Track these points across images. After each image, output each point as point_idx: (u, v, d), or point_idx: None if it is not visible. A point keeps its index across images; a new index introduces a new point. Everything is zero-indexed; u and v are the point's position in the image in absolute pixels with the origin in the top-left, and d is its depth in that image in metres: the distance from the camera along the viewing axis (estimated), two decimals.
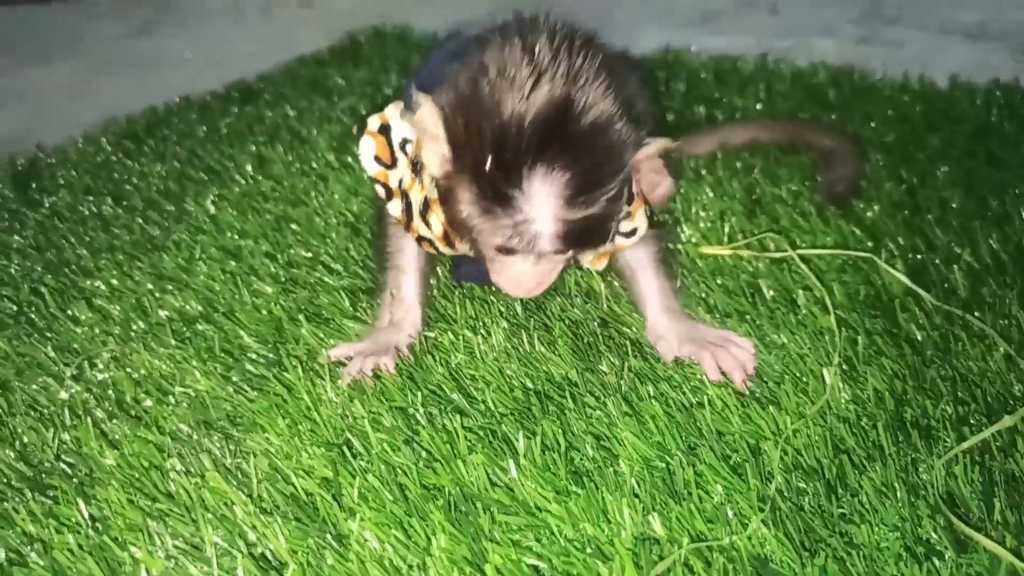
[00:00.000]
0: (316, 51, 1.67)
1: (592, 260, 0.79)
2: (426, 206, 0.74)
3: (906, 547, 0.54)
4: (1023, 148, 1.07)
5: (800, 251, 0.86)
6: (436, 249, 0.78)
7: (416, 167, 0.73)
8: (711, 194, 1.00)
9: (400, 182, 0.76)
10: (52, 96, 1.67)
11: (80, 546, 0.59)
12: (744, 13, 1.94)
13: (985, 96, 1.23)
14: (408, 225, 0.77)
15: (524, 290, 0.70)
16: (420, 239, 0.78)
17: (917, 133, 1.13)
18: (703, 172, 1.06)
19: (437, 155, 0.65)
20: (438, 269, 0.86)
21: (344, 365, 0.75)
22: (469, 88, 0.63)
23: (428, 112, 0.63)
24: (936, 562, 0.54)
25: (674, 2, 2.04)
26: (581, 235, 0.64)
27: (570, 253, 0.67)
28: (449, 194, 0.66)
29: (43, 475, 0.66)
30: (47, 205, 1.09)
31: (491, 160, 0.60)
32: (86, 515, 0.61)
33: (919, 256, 0.85)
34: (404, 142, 0.74)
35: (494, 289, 0.82)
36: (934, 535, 0.55)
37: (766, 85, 1.34)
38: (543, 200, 0.61)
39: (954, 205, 0.95)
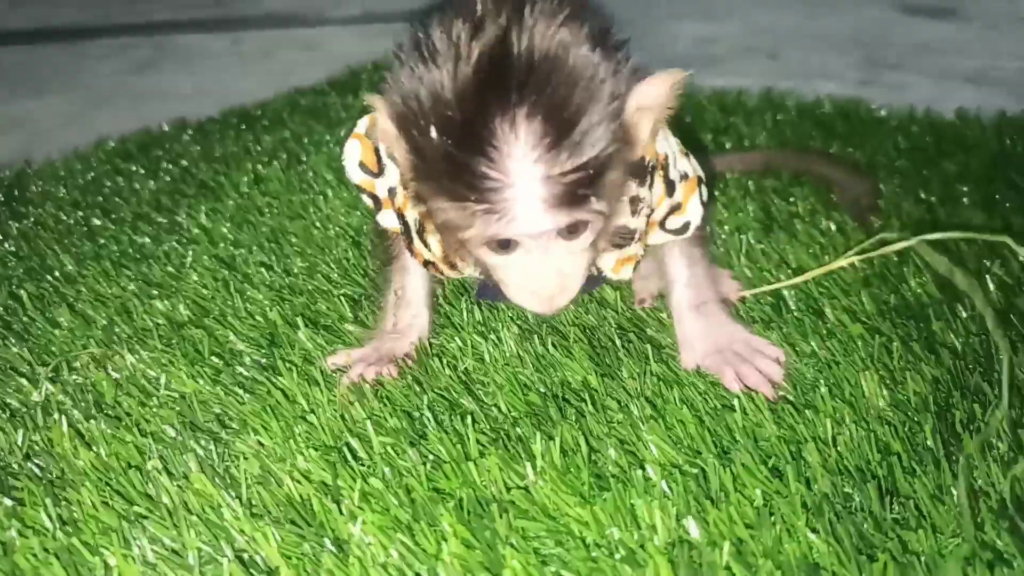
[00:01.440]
0: (315, 83, 1.65)
1: (615, 265, 0.68)
2: (422, 225, 0.66)
3: (972, 555, 0.49)
4: None
5: (926, 236, 0.79)
6: (442, 273, 0.71)
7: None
8: (724, 212, 0.97)
9: (391, 192, 0.67)
10: (46, 124, 1.64)
11: (46, 549, 0.52)
12: (744, 57, 1.95)
13: (995, 127, 1.21)
14: (410, 247, 0.69)
15: (545, 298, 0.57)
16: (426, 263, 0.70)
17: (931, 160, 1.11)
18: (715, 192, 1.03)
19: (400, 157, 0.55)
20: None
21: (345, 372, 0.70)
22: (407, 70, 0.52)
23: (381, 114, 0.53)
24: (1006, 570, 0.48)
25: (673, 49, 2.05)
26: (576, 191, 0.51)
27: (584, 238, 0.55)
28: (422, 199, 0.56)
29: (8, 476, 0.59)
30: (32, 217, 1.04)
31: (438, 136, 0.50)
32: (54, 517, 0.55)
33: (951, 268, 0.81)
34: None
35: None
36: (999, 541, 0.50)
37: (772, 116, 1.32)
38: (515, 159, 0.49)
39: (977, 223, 0.91)
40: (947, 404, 0.62)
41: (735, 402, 0.63)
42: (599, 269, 0.68)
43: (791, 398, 0.63)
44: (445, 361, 0.70)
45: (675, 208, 0.67)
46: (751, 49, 2.01)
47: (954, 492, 0.53)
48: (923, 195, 1.00)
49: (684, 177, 0.68)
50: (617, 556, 0.50)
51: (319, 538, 0.52)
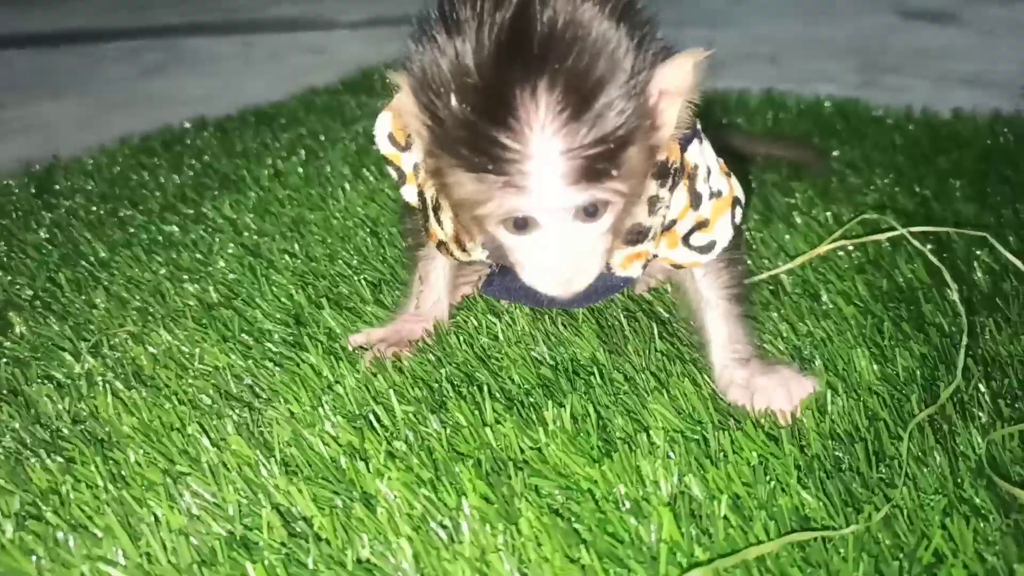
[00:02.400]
0: (329, 83, 1.70)
1: (624, 261, 0.65)
2: (437, 202, 0.66)
3: (950, 508, 0.53)
4: None
5: (913, 229, 0.84)
6: (452, 255, 0.71)
7: None
8: None
9: (416, 168, 0.68)
10: (64, 126, 1.69)
11: (97, 498, 0.57)
12: (746, 63, 1.99)
13: (989, 125, 1.25)
14: (426, 226, 0.70)
15: (560, 281, 0.57)
16: (439, 244, 0.70)
17: (926, 156, 1.15)
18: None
19: (419, 132, 0.54)
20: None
21: (366, 350, 0.74)
22: (430, 41, 0.51)
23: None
24: (982, 526, 0.52)
25: (679, 50, 2.09)
26: (596, 164, 0.50)
27: (603, 221, 0.54)
28: (439, 174, 0.54)
29: (59, 439, 0.64)
30: (63, 207, 1.09)
31: (459, 106, 0.49)
32: (104, 473, 0.59)
33: (940, 256, 0.85)
34: None
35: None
36: (977, 498, 0.54)
37: (773, 114, 1.37)
38: (535, 131, 0.48)
39: (969, 215, 0.96)
40: (933, 377, 0.67)
41: None
42: (609, 265, 0.65)
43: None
44: (462, 339, 0.74)
45: (702, 224, 0.66)
46: (752, 55, 2.05)
47: (936, 455, 0.58)
48: (918, 189, 1.04)
49: (717, 194, 0.66)
50: (623, 508, 0.54)
51: (349, 493, 0.57)
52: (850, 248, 0.87)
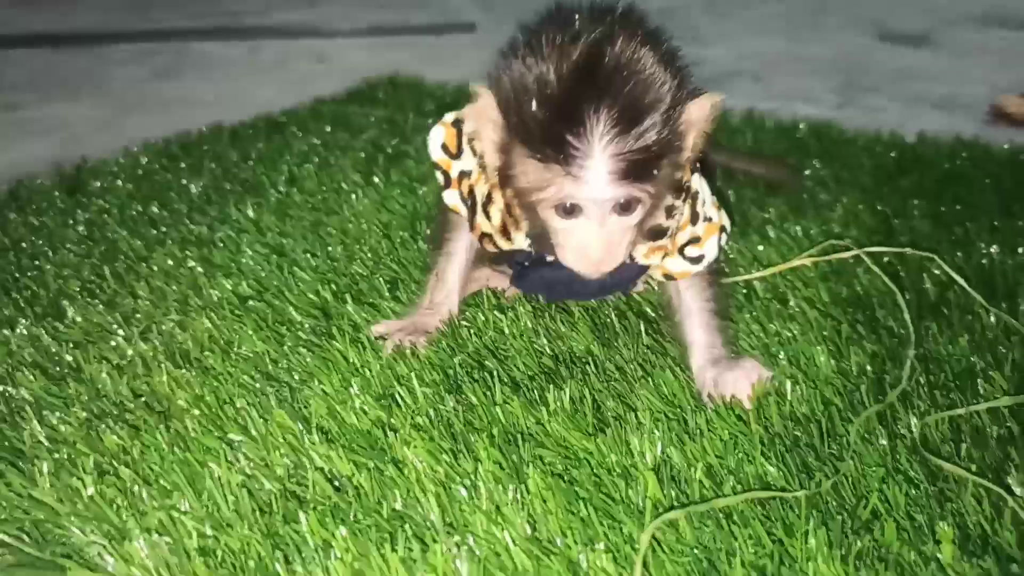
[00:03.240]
0: (335, 93, 1.79)
1: (647, 252, 0.79)
2: (488, 199, 0.78)
3: (888, 477, 0.64)
4: (985, 191, 1.19)
5: (867, 249, 0.96)
6: (495, 245, 0.81)
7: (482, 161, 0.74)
8: None
9: (461, 174, 0.81)
10: (81, 129, 1.76)
11: (162, 457, 0.66)
12: (731, 80, 2.10)
13: (950, 148, 1.37)
14: (472, 222, 0.82)
15: (593, 261, 0.69)
16: (482, 236, 0.81)
17: (891, 176, 1.26)
18: None
19: (493, 134, 0.68)
20: None
21: (385, 339, 0.84)
22: (514, 63, 0.66)
23: (485, 98, 0.68)
24: (913, 492, 0.63)
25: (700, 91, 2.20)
26: (636, 168, 0.64)
27: (635, 215, 0.68)
28: (507, 168, 0.69)
29: (124, 411, 0.73)
30: (96, 206, 1.17)
31: (538, 109, 0.63)
32: (166, 440, 0.68)
33: (896, 268, 0.96)
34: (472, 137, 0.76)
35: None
36: (911, 470, 0.65)
37: (753, 135, 1.47)
38: (592, 135, 0.62)
39: (924, 232, 1.07)
40: (881, 371, 0.77)
41: None
42: (633, 256, 0.78)
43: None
44: (472, 332, 0.84)
45: (695, 240, 0.80)
46: (737, 72, 2.17)
47: (879, 436, 0.68)
48: (880, 207, 1.15)
49: (708, 220, 0.81)
50: (615, 474, 0.64)
51: (380, 458, 0.66)
52: (809, 265, 0.97)
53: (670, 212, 0.76)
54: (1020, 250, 0.99)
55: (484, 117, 0.69)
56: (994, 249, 1.00)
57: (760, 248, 1.02)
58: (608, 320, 0.86)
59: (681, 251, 0.80)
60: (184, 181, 1.27)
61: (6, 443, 0.69)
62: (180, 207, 1.17)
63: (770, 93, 1.95)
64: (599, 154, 0.63)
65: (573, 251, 0.69)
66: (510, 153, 0.68)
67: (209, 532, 0.59)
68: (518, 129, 0.66)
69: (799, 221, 1.10)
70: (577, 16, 0.66)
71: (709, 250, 0.81)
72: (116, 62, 2.47)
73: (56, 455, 0.67)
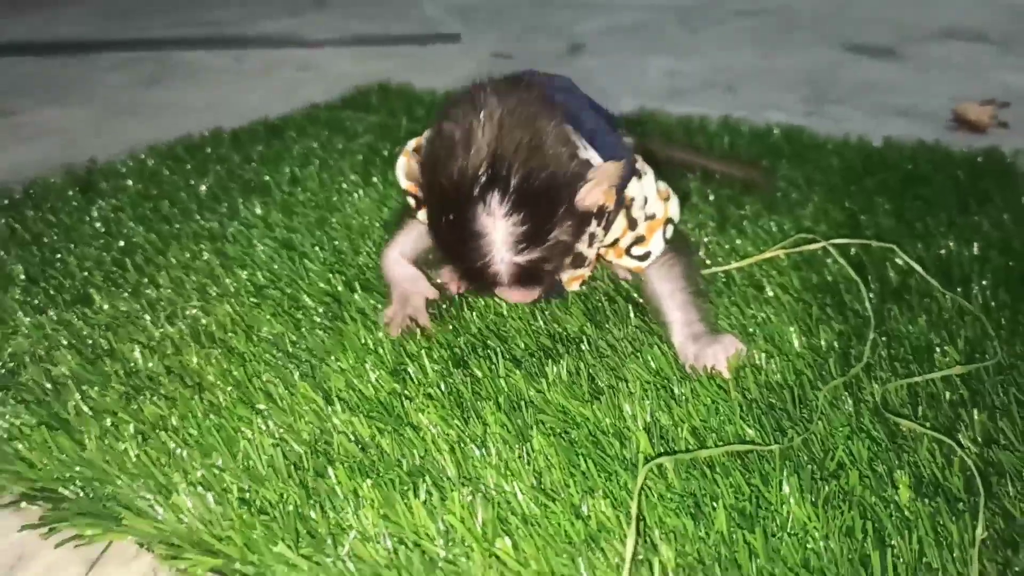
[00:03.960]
0: (328, 99, 1.86)
1: (568, 281, 0.90)
2: None
3: (852, 434, 0.71)
4: (944, 191, 1.29)
5: (833, 241, 1.05)
6: None
7: None
8: (688, 214, 1.20)
9: None
10: (76, 133, 1.82)
11: (200, 426, 0.73)
12: (705, 91, 2.20)
13: (912, 152, 1.46)
14: None
15: (509, 300, 0.82)
16: None
17: (857, 176, 1.35)
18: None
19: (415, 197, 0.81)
20: None
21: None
22: (429, 149, 0.76)
23: (400, 166, 0.81)
24: (874, 447, 0.71)
25: (644, 80, 2.29)
26: (533, 274, 0.73)
27: (536, 290, 0.78)
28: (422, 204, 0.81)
29: (159, 385, 0.79)
30: (110, 204, 1.23)
31: (440, 218, 0.73)
32: (201, 410, 0.75)
33: (862, 259, 1.04)
34: None
35: None
36: (874, 430, 0.72)
37: (729, 139, 1.56)
38: (493, 247, 0.71)
39: (888, 226, 1.15)
40: (847, 347, 0.85)
41: None
42: (560, 285, 0.90)
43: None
44: (475, 314, 0.91)
45: (639, 239, 0.87)
46: (711, 83, 2.26)
47: (846, 400, 0.76)
48: (847, 204, 1.23)
49: (652, 217, 0.87)
50: (610, 434, 0.72)
51: (397, 423, 0.73)
52: (783, 257, 1.05)
53: (591, 241, 0.83)
54: (975, 244, 1.08)
55: (411, 175, 0.81)
56: (951, 242, 1.08)
57: (738, 241, 1.10)
58: (599, 304, 0.94)
59: (628, 252, 0.88)
60: (191, 181, 1.33)
61: (53, 413, 0.75)
62: (190, 205, 1.23)
63: (742, 103, 2.04)
64: (496, 265, 0.72)
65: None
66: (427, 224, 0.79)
67: (247, 486, 0.66)
68: (430, 224, 0.76)
69: (772, 217, 1.18)
70: (480, 106, 0.72)
71: (655, 245, 0.87)
72: (103, 69, 2.52)
73: (100, 424, 0.73)
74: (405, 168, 0.87)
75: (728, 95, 2.16)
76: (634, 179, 0.86)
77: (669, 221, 0.89)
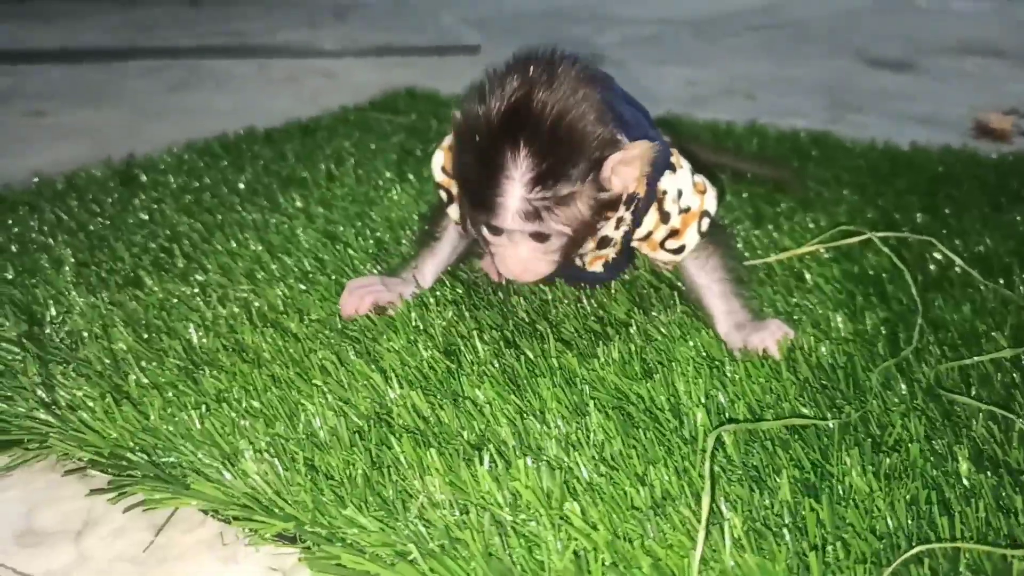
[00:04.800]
0: (357, 103, 1.88)
1: (591, 260, 0.90)
2: None
3: (908, 412, 0.72)
4: (974, 190, 1.30)
5: (876, 234, 1.05)
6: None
7: None
8: (721, 210, 1.21)
9: None
10: (108, 134, 1.83)
11: (260, 398, 0.74)
12: (725, 98, 2.22)
13: (940, 155, 1.48)
14: (466, 228, 0.88)
15: (513, 272, 0.78)
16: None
17: (887, 178, 1.37)
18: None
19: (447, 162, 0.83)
20: None
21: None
22: (464, 108, 0.76)
23: (436, 159, 0.83)
24: (930, 424, 0.71)
25: (662, 89, 2.31)
26: (540, 212, 0.73)
27: (548, 245, 0.76)
28: (455, 198, 0.83)
29: (218, 361, 0.80)
30: (151, 196, 1.25)
31: (466, 154, 0.74)
32: (261, 384, 0.76)
33: (901, 252, 1.05)
34: None
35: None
36: (928, 410, 0.73)
37: (758, 142, 1.58)
38: (509, 180, 0.71)
39: (923, 223, 1.16)
40: (894, 333, 0.86)
41: None
42: (583, 263, 0.90)
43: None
44: (521, 299, 0.92)
45: (674, 233, 0.86)
46: (731, 92, 2.28)
47: (898, 382, 0.77)
48: (880, 203, 1.25)
49: (686, 210, 0.86)
50: (665, 410, 0.72)
51: (455, 398, 0.74)
52: (823, 251, 1.06)
53: (618, 224, 0.84)
54: (1011, 240, 1.09)
55: (443, 176, 0.86)
56: (987, 238, 1.09)
57: (775, 235, 1.11)
58: (644, 291, 0.95)
59: (663, 245, 0.88)
60: (229, 176, 1.35)
61: (115, 385, 0.76)
62: (231, 198, 1.24)
63: (763, 110, 2.06)
64: (510, 197, 0.72)
65: (498, 263, 0.78)
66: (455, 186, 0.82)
67: (312, 454, 0.67)
68: (456, 170, 0.78)
69: (808, 214, 1.19)
70: (521, 68, 0.74)
71: (689, 238, 0.87)
72: (130, 76, 2.55)
73: (163, 395, 0.74)
74: (443, 160, 0.89)
75: (749, 102, 2.18)
76: (668, 172, 0.86)
77: (705, 214, 0.88)
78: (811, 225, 1.15)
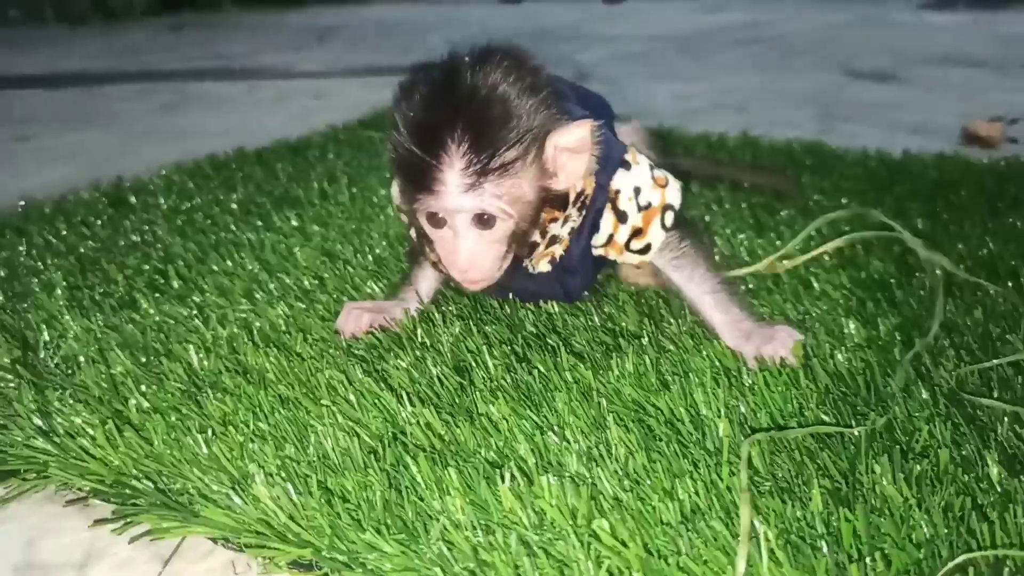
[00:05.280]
0: (347, 121, 1.86)
1: (536, 259, 0.84)
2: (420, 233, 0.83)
3: (933, 417, 0.70)
4: (972, 196, 1.29)
5: (895, 233, 1.06)
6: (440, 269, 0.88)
7: None
8: (723, 219, 1.20)
9: None
10: (96, 156, 1.82)
11: (267, 420, 0.71)
12: (716, 112, 2.22)
13: (935, 162, 1.47)
14: (424, 251, 0.88)
15: (460, 269, 0.75)
16: (434, 264, 0.89)
17: (885, 184, 1.36)
18: (714, 207, 1.26)
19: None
20: None
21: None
22: (395, 103, 0.74)
23: (395, 185, 0.80)
24: (956, 430, 0.70)
25: (653, 103, 2.31)
26: (483, 185, 0.71)
27: (494, 231, 0.74)
28: (400, 196, 0.80)
29: (221, 382, 0.78)
30: (143, 218, 1.22)
31: (402, 137, 0.71)
32: (267, 404, 0.73)
33: (907, 259, 1.04)
34: None
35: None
36: (952, 416, 0.72)
37: (752, 153, 1.57)
38: (448, 157, 0.69)
39: (925, 229, 1.16)
40: (909, 338, 0.85)
41: None
42: (530, 264, 0.85)
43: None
44: (529, 312, 0.90)
45: (637, 232, 0.84)
46: (721, 105, 2.29)
47: (919, 387, 0.75)
48: (880, 210, 1.24)
49: (647, 207, 0.84)
50: (686, 422, 0.70)
51: (468, 415, 0.72)
52: (828, 256, 1.05)
53: (564, 222, 0.81)
54: (1012, 243, 1.09)
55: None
56: (990, 242, 1.09)
57: (778, 243, 1.10)
58: (653, 302, 0.93)
59: (627, 247, 0.85)
60: (221, 196, 1.33)
61: (115, 411, 0.73)
62: (224, 217, 1.22)
63: (754, 122, 2.06)
64: (450, 174, 0.70)
65: (445, 260, 0.77)
66: (395, 172, 0.79)
67: (324, 477, 0.64)
68: (393, 157, 0.74)
69: (808, 222, 1.18)
70: (452, 55, 0.73)
71: (653, 235, 0.84)
72: (117, 99, 2.53)
73: (165, 420, 0.72)
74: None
75: (740, 115, 2.18)
76: (621, 171, 0.84)
77: (668, 208, 0.85)
78: (813, 232, 1.14)
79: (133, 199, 1.31)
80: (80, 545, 0.64)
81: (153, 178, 1.42)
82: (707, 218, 1.21)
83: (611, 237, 0.85)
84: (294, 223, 1.20)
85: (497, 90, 0.70)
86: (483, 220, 0.73)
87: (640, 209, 0.84)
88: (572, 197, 0.80)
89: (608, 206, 0.83)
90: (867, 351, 0.82)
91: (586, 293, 0.95)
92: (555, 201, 0.78)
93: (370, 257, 1.07)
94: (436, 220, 0.74)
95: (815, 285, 0.97)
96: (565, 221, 0.82)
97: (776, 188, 1.33)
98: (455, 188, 0.71)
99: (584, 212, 0.82)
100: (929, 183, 1.36)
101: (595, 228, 0.84)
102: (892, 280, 0.98)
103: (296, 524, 0.60)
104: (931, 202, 1.27)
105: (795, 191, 1.33)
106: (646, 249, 0.85)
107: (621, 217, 0.84)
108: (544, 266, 0.85)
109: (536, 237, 0.80)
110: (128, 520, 0.63)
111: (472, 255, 0.74)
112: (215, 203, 1.29)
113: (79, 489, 0.68)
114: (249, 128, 1.98)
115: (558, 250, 0.84)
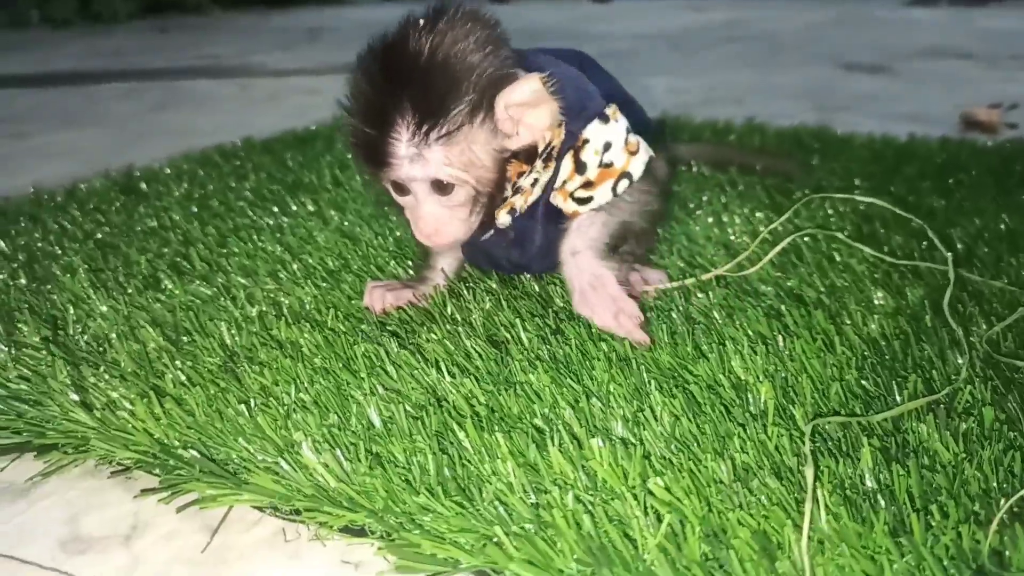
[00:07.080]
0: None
1: (497, 212, 0.81)
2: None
3: (971, 378, 0.71)
4: (981, 175, 1.31)
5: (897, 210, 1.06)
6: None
7: None
8: (739, 200, 1.21)
9: None
10: (94, 153, 1.80)
11: (308, 391, 0.71)
12: (712, 104, 2.23)
13: (940, 145, 1.49)
14: None
15: (425, 233, 0.77)
16: None
17: (894, 166, 1.37)
18: (728, 188, 1.27)
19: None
20: None
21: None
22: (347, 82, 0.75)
23: None
24: (996, 390, 0.70)
25: (649, 97, 2.32)
26: (428, 156, 0.71)
27: (453, 197, 0.75)
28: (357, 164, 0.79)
29: (257, 355, 0.77)
30: (156, 205, 1.21)
31: (352, 115, 0.73)
32: (306, 375, 0.73)
33: (926, 233, 1.05)
34: None
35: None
36: (990, 378, 0.72)
37: (759, 139, 1.58)
38: (388, 125, 0.70)
39: (939, 206, 1.17)
40: (937, 304, 0.85)
41: (783, 307, 0.84)
42: (494, 219, 0.82)
43: (826, 301, 0.85)
44: (556, 288, 0.90)
45: (588, 184, 0.82)
46: (716, 99, 2.30)
47: (954, 352, 0.76)
48: (893, 190, 1.25)
49: (608, 165, 0.82)
50: (727, 387, 0.71)
51: (508, 384, 0.72)
52: (846, 233, 1.06)
53: (528, 173, 0.80)
54: None
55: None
56: (1006, 217, 1.10)
57: (796, 222, 1.10)
58: (678, 278, 0.93)
59: (572, 196, 0.83)
60: (232, 183, 1.32)
61: (152, 385, 0.73)
62: (239, 203, 1.21)
63: (751, 114, 2.07)
64: (395, 142, 0.71)
65: (412, 226, 0.78)
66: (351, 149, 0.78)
67: (372, 444, 0.64)
68: (348, 137, 0.76)
69: (825, 202, 1.19)
70: (405, 20, 0.73)
71: (600, 194, 0.83)
72: (109, 98, 2.51)
73: (205, 392, 0.71)
74: None
75: (736, 107, 2.19)
76: (596, 121, 0.82)
77: (626, 176, 0.83)
78: (830, 211, 1.15)
79: (144, 187, 1.30)
80: (125, 518, 0.63)
81: (164, 167, 1.40)
82: (724, 199, 1.21)
83: (564, 184, 0.83)
84: (310, 208, 1.19)
85: (438, 56, 0.70)
86: (441, 186, 0.74)
87: (601, 165, 0.82)
88: (541, 149, 0.79)
89: (570, 153, 0.82)
90: (899, 318, 0.82)
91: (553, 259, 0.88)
92: (523, 155, 0.77)
93: (391, 239, 1.07)
94: (400, 188, 0.76)
95: (837, 258, 0.98)
96: (530, 173, 0.80)
97: (785, 171, 1.34)
98: (404, 159, 0.72)
99: (553, 163, 0.81)
100: (937, 165, 1.38)
101: (557, 171, 0.82)
102: (914, 251, 0.99)
103: (349, 488, 0.59)
104: (942, 181, 1.28)
105: (800, 172, 1.34)
106: (587, 201, 0.83)
107: (580, 167, 0.82)
108: (504, 218, 0.82)
109: (509, 193, 0.81)
110: (175, 490, 0.62)
111: (434, 219, 0.76)
112: (228, 190, 1.28)
113: (119, 463, 0.67)
114: (245, 125, 1.96)
115: (519, 201, 0.82)
